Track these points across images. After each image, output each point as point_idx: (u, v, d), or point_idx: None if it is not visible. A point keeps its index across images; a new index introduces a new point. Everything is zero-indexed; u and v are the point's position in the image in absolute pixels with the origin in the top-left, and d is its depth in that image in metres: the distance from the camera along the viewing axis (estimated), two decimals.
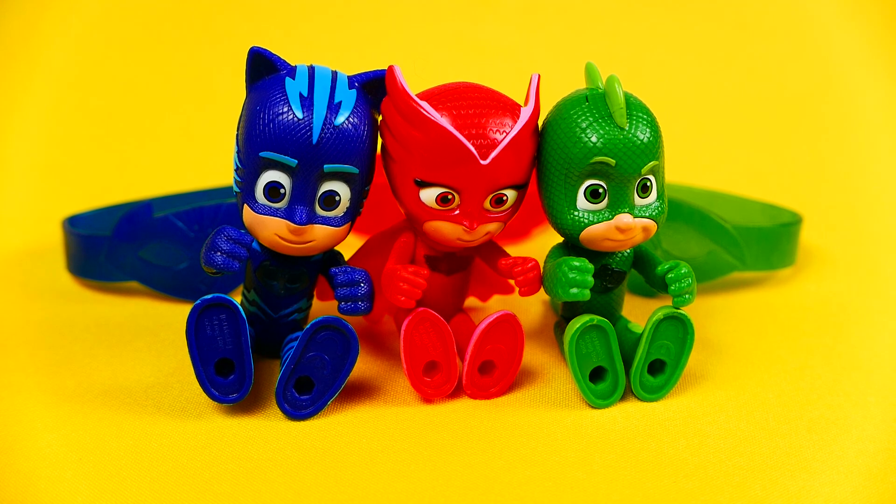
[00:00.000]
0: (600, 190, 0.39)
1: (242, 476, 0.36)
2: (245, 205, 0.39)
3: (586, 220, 0.39)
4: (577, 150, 0.39)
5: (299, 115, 0.37)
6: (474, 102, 0.39)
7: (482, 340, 0.41)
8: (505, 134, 0.38)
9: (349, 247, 0.45)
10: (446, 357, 0.41)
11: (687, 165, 0.65)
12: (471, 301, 0.50)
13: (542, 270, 0.42)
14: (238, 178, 0.39)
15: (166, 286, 0.52)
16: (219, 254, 0.39)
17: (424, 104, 0.38)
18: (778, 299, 0.55)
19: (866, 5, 0.90)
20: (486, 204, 0.39)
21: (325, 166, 0.37)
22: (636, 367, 0.41)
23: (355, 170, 0.38)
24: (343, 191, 0.39)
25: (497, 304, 0.51)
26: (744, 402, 0.42)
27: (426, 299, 0.42)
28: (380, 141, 0.41)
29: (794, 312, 0.53)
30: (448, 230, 0.40)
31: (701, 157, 0.79)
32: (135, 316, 0.51)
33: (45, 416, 0.40)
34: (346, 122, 0.38)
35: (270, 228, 0.38)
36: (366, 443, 0.38)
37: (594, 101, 0.39)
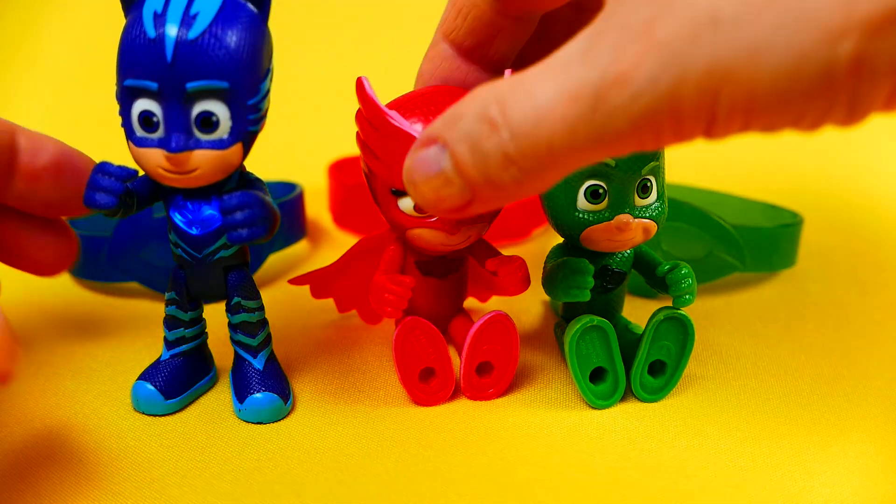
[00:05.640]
0: (600, 190, 0.39)
1: (243, 476, 0.36)
2: (129, 141, 0.37)
3: (586, 221, 0.39)
4: None
5: (151, 34, 0.34)
6: (444, 107, 0.39)
7: (476, 342, 0.41)
8: None
9: (341, 247, 0.45)
10: (441, 363, 0.41)
11: (687, 165, 0.65)
12: (472, 303, 0.50)
13: (539, 270, 0.42)
14: (120, 115, 0.37)
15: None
16: (99, 192, 0.36)
17: (393, 113, 0.38)
18: (778, 299, 0.55)
19: None
20: None
21: (187, 85, 0.35)
22: (636, 367, 0.41)
23: (224, 84, 0.35)
24: (220, 109, 0.36)
25: (497, 305, 0.51)
26: (744, 402, 0.42)
27: (423, 304, 0.42)
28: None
29: (794, 312, 0.53)
30: (430, 237, 0.40)
31: (701, 157, 0.79)
32: (135, 316, 0.51)
33: (45, 416, 0.40)
34: (205, 35, 0.34)
35: (152, 160, 0.36)
36: (366, 443, 0.38)
37: None
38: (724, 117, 0.25)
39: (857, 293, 0.56)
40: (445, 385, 0.42)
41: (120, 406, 0.41)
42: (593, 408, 0.41)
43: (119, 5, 0.36)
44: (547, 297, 0.49)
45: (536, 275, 0.42)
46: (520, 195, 0.29)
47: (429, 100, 0.39)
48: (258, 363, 0.40)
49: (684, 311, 0.41)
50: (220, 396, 0.42)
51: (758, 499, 0.35)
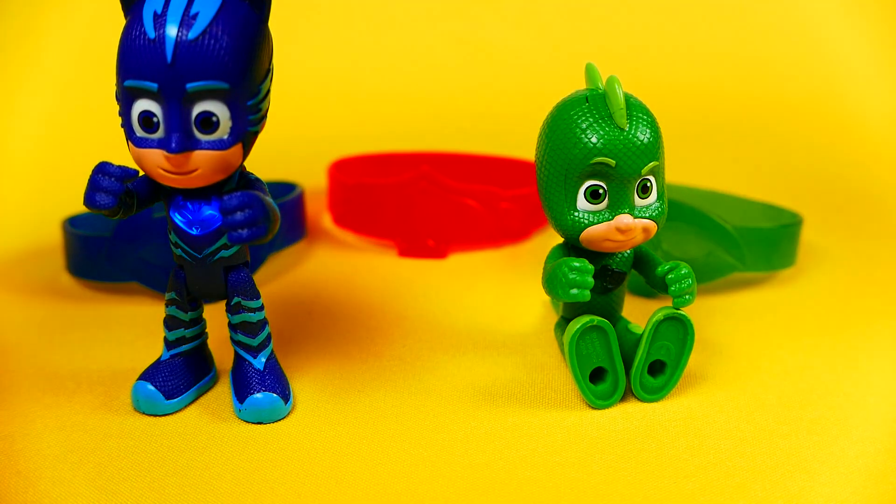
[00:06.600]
0: (600, 191, 0.39)
1: (242, 476, 0.36)
2: (129, 142, 0.37)
3: (586, 221, 0.39)
4: (578, 151, 0.39)
5: (151, 34, 0.34)
6: None
7: None
8: None
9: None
10: None
11: (687, 166, 0.65)
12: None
13: (539, 270, 0.42)
14: (120, 115, 0.37)
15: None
16: (98, 193, 0.36)
17: None
18: (778, 299, 0.55)
19: (866, 6, 0.90)
20: None
21: (187, 86, 0.35)
22: (636, 367, 0.41)
23: (224, 85, 0.35)
24: (220, 110, 0.36)
25: (497, 306, 0.51)
26: (744, 402, 0.42)
27: None
28: None
29: (794, 312, 0.53)
30: None
31: (701, 158, 0.79)
32: (135, 316, 0.51)
33: (45, 416, 0.40)
34: (205, 35, 0.34)
35: (152, 161, 0.36)
36: (366, 443, 0.38)
37: (594, 101, 0.39)
38: None
39: (857, 293, 0.56)
40: None
41: (120, 406, 0.41)
42: (593, 408, 0.41)
43: (119, 5, 0.36)
44: (547, 297, 0.49)
45: (537, 275, 0.42)
46: None
47: None
48: (258, 363, 0.40)
49: (684, 311, 0.41)
50: (220, 396, 0.42)
51: (757, 499, 0.35)
